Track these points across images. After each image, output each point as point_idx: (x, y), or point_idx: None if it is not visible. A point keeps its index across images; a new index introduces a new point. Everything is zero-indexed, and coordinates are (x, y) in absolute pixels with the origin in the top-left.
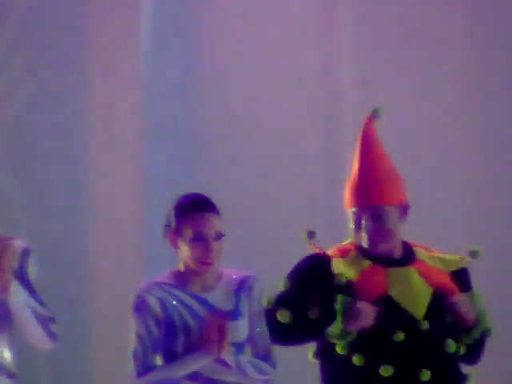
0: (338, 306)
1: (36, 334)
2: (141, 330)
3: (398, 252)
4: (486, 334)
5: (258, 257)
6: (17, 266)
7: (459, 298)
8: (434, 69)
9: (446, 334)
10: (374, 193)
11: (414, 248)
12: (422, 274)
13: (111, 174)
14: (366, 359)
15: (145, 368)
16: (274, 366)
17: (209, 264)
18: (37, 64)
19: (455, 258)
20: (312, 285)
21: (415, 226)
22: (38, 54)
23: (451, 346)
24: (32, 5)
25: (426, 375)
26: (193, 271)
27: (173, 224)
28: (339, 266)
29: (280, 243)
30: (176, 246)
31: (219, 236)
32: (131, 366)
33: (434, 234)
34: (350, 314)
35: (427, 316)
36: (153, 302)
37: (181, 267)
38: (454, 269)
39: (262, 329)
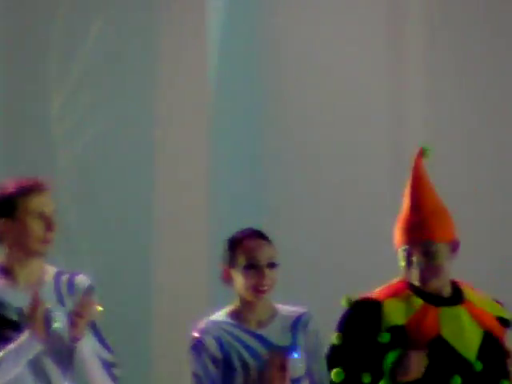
0: (387, 365)
1: (99, 379)
2: (198, 369)
3: (447, 290)
4: None
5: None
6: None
7: None
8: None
9: (499, 375)
10: (424, 228)
11: (461, 287)
12: (472, 315)
13: (177, 190)
14: None
15: None
16: None
17: (263, 292)
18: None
19: (497, 305)
20: (363, 338)
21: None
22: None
23: None
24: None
25: None
26: (248, 306)
27: (226, 258)
28: (391, 308)
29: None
30: (230, 279)
31: (273, 264)
32: None
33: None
34: (400, 367)
35: (479, 358)
36: (210, 342)
37: (236, 304)
38: (499, 315)
39: (319, 364)
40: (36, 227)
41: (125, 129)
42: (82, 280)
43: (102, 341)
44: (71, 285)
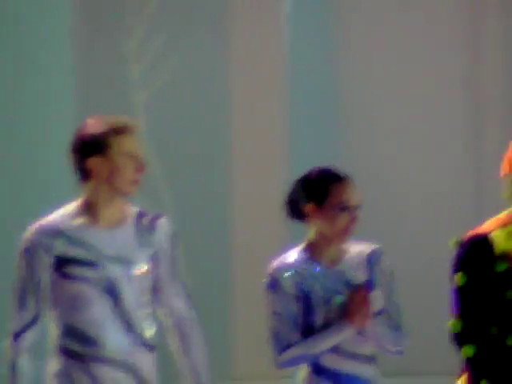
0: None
1: None
2: (277, 307)
3: None
4: None
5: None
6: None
7: None
8: None
9: None
10: None
11: None
12: None
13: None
14: None
15: (286, 346)
16: (406, 337)
17: (350, 234)
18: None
19: None
20: (482, 271)
21: None
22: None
23: None
24: None
25: None
26: (324, 244)
27: (313, 195)
28: (501, 240)
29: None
30: (313, 217)
31: (359, 207)
32: (272, 345)
33: None
34: None
35: None
36: (287, 280)
37: (311, 241)
38: None
39: (394, 301)
40: (127, 167)
41: (200, 72)
42: (163, 223)
43: (183, 290)
44: (152, 227)
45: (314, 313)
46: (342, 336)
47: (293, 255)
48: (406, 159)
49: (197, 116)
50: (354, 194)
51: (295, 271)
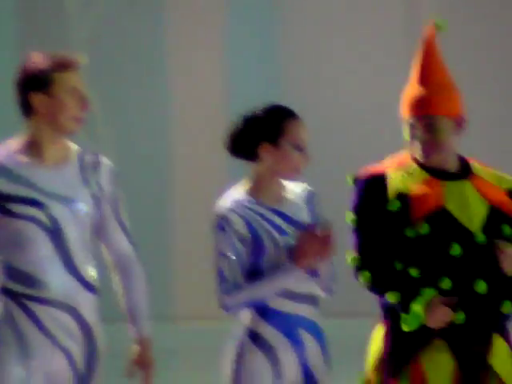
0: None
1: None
2: (225, 249)
3: (453, 165)
4: None
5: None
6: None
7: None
8: None
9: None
10: (429, 102)
11: (469, 163)
12: (478, 189)
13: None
14: (422, 272)
15: (233, 288)
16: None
17: (300, 173)
18: None
19: (509, 179)
20: (374, 210)
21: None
22: None
23: (503, 245)
24: None
25: (481, 286)
26: (268, 183)
27: (263, 133)
28: (396, 177)
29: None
30: (266, 156)
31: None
32: (218, 287)
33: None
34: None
35: (483, 230)
36: (237, 220)
37: (257, 178)
38: (509, 186)
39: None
40: (71, 104)
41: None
42: (106, 161)
43: (124, 228)
44: (96, 164)
45: (262, 254)
46: (291, 278)
47: (238, 194)
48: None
49: (134, 47)
50: (306, 133)
51: (244, 211)
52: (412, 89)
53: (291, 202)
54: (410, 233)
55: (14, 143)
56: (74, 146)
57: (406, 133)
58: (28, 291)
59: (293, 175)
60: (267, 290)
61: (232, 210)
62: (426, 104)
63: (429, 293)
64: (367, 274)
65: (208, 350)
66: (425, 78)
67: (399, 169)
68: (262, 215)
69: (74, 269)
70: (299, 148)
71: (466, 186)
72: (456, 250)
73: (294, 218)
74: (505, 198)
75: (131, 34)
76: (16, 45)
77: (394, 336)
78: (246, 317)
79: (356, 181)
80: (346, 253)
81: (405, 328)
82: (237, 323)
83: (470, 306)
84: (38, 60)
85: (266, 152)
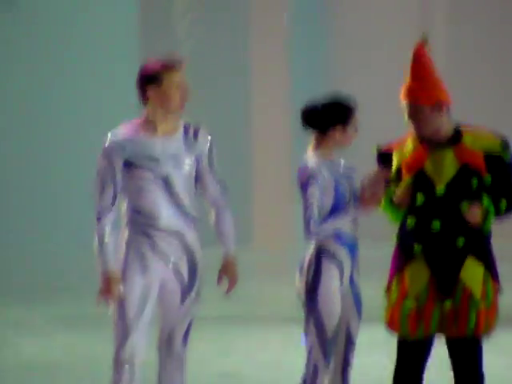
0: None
1: None
2: (316, 193)
3: (444, 136)
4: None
5: None
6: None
7: (473, 211)
8: None
9: (461, 199)
10: (411, 93)
11: (464, 132)
12: (456, 155)
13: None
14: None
15: (321, 221)
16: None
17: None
18: None
19: (496, 143)
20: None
21: None
22: None
23: (464, 206)
24: None
25: (436, 225)
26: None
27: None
28: (397, 154)
29: None
30: (333, 134)
31: None
32: (308, 220)
33: None
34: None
35: (449, 185)
36: (322, 176)
37: (328, 148)
38: (489, 151)
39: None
40: (175, 96)
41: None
42: (203, 132)
43: (217, 179)
44: (195, 136)
45: (343, 202)
46: (357, 214)
47: (327, 156)
48: None
49: None
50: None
51: (328, 168)
52: (405, 82)
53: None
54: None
55: (136, 122)
56: (180, 122)
57: (404, 113)
58: (148, 223)
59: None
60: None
61: (320, 167)
62: (411, 94)
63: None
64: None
65: (280, 266)
66: (411, 75)
67: (401, 144)
68: (339, 172)
69: (180, 207)
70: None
71: (447, 153)
72: (419, 198)
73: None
74: (475, 158)
75: (222, 49)
76: (139, 57)
77: (394, 251)
78: (321, 241)
79: (377, 151)
80: None
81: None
82: (308, 246)
83: (427, 240)
84: (152, 63)
85: (335, 131)
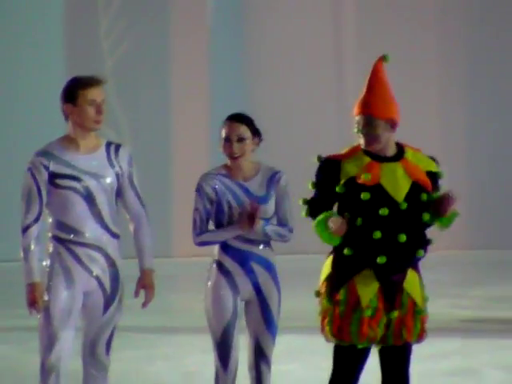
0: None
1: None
2: (199, 205)
3: (390, 152)
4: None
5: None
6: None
7: (451, 198)
8: None
9: (421, 210)
10: (368, 106)
11: (405, 148)
12: (405, 169)
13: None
14: (362, 228)
15: (201, 232)
16: (291, 231)
17: (235, 158)
18: None
19: (431, 162)
20: (328, 185)
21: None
22: None
23: (426, 216)
24: None
25: (402, 238)
26: (235, 165)
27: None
28: (347, 165)
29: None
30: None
31: (241, 139)
32: (192, 228)
33: None
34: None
35: (405, 199)
36: (208, 188)
37: (227, 163)
38: (429, 169)
39: (285, 208)
40: (90, 113)
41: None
42: (124, 149)
43: (137, 194)
44: (117, 152)
45: (223, 213)
46: (237, 232)
47: (215, 170)
48: None
49: None
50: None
51: (215, 182)
52: (360, 96)
53: (257, 181)
54: (363, 195)
55: (60, 139)
56: (101, 139)
57: (355, 127)
58: (71, 238)
59: (229, 161)
60: (222, 236)
61: (206, 180)
62: (367, 107)
63: (329, 213)
64: (310, 216)
65: (197, 278)
66: (369, 89)
67: (351, 156)
68: (228, 186)
69: (102, 222)
70: (228, 141)
71: (397, 167)
72: (384, 211)
73: (254, 191)
74: (423, 176)
75: (143, 47)
76: (64, 66)
77: (337, 263)
78: (215, 252)
79: (320, 160)
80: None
81: (319, 234)
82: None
83: (393, 251)
84: (70, 80)
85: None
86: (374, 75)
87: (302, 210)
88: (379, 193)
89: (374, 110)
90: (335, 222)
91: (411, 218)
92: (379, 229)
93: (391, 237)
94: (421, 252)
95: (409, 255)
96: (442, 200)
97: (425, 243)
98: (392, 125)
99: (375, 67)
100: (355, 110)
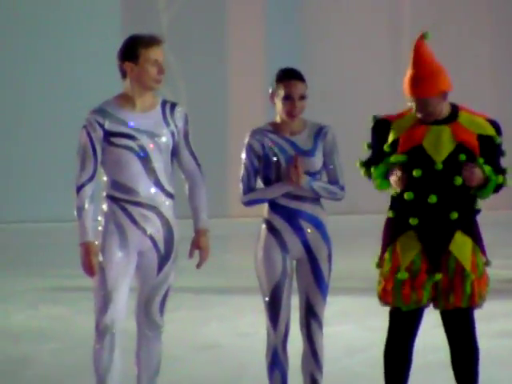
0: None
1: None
2: (247, 162)
3: (442, 115)
4: (497, 188)
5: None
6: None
7: (472, 169)
8: None
9: (456, 173)
10: (416, 86)
11: (459, 111)
12: (452, 132)
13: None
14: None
15: (248, 189)
16: (342, 189)
17: (294, 116)
18: None
19: (488, 126)
20: (380, 145)
21: None
22: None
23: (458, 180)
24: None
25: (433, 199)
26: (284, 121)
27: (273, 87)
28: (395, 126)
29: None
30: (273, 103)
31: (302, 97)
32: (239, 187)
33: None
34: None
35: (445, 161)
36: (255, 144)
37: (277, 118)
38: (481, 132)
39: (333, 161)
40: (152, 72)
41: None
42: (179, 108)
43: (192, 153)
44: (172, 111)
45: (270, 169)
46: (285, 188)
47: (263, 126)
48: None
49: None
50: (296, 88)
51: (262, 138)
52: (407, 75)
53: (304, 135)
54: (393, 159)
55: (116, 97)
56: (158, 98)
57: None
58: (126, 197)
59: (286, 119)
60: (270, 194)
61: (253, 136)
62: (416, 87)
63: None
64: (368, 171)
65: (252, 238)
66: (415, 68)
67: (402, 117)
68: (275, 142)
69: (157, 182)
70: (288, 99)
71: (445, 130)
72: (418, 173)
73: (301, 147)
74: (469, 138)
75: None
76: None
77: (385, 225)
78: (264, 211)
79: (374, 120)
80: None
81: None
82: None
83: (424, 213)
84: (131, 39)
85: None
86: (416, 53)
87: (361, 170)
88: (418, 154)
89: (423, 91)
90: (396, 176)
91: (444, 180)
92: (412, 190)
93: (423, 198)
94: (454, 214)
95: (441, 217)
96: (463, 170)
97: (462, 206)
98: (444, 95)
99: (416, 45)
100: (405, 88)
